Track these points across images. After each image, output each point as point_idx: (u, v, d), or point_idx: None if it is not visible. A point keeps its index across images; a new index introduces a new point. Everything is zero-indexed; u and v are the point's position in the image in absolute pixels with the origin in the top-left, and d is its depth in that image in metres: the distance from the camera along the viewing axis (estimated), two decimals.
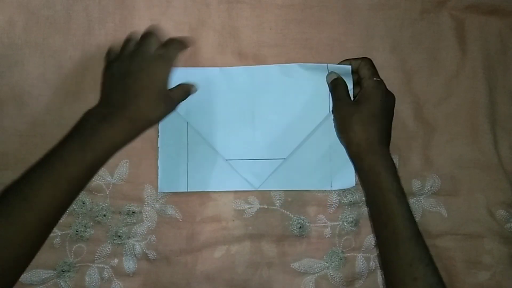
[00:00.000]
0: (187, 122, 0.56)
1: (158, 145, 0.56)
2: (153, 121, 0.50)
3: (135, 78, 0.47)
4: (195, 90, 0.55)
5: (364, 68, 0.55)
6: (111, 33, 0.56)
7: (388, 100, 0.54)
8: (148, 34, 0.50)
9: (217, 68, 0.57)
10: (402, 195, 0.49)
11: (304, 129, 0.57)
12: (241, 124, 0.57)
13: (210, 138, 0.56)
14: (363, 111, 0.52)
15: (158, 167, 0.56)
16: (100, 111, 0.47)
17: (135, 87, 0.47)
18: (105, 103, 0.48)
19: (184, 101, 0.53)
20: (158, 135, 0.56)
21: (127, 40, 0.52)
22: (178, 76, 0.53)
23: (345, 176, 0.58)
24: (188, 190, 0.56)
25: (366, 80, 0.54)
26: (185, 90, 0.53)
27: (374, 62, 0.60)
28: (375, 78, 0.54)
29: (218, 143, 0.56)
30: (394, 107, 0.55)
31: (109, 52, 0.53)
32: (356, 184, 0.58)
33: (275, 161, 0.57)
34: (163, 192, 0.56)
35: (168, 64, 0.49)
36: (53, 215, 0.44)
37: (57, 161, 0.43)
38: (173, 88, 0.52)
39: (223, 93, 0.56)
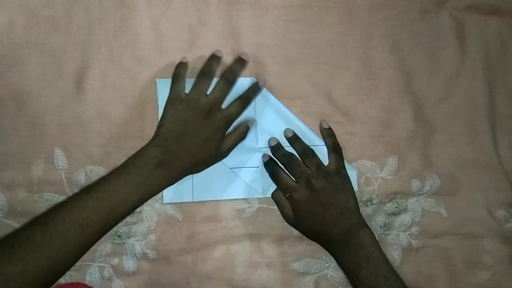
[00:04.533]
0: None
1: None
2: (194, 173, 0.53)
3: (196, 138, 0.50)
4: (252, 124, 0.55)
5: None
6: (112, 33, 0.56)
7: (313, 200, 0.52)
8: (220, 84, 0.53)
9: (217, 79, 0.56)
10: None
11: (305, 135, 0.57)
12: None
13: None
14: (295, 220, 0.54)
15: None
16: (158, 156, 0.48)
17: (194, 147, 0.50)
18: (163, 146, 0.49)
19: None
20: None
21: (201, 77, 0.53)
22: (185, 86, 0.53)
23: None
24: (194, 200, 0.56)
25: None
26: (240, 133, 0.54)
27: (374, 62, 0.60)
28: (291, 194, 0.53)
29: None
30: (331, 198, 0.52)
31: (178, 75, 0.54)
32: (358, 188, 0.58)
33: None
34: (169, 202, 0.56)
35: (228, 126, 0.52)
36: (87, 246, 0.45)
37: (113, 194, 0.44)
38: (230, 133, 0.53)
39: (225, 102, 0.56)
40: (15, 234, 0.41)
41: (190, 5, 0.58)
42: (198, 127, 0.50)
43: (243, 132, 0.54)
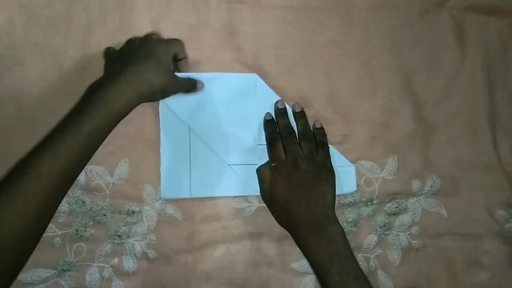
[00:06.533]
0: (189, 127, 0.56)
1: (160, 151, 0.55)
2: (155, 87, 0.47)
3: (135, 52, 0.48)
4: (201, 88, 0.55)
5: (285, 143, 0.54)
6: (111, 33, 0.56)
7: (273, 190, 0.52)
8: (149, 33, 0.54)
9: (219, 74, 0.56)
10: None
11: None
12: (244, 129, 0.57)
13: (212, 143, 0.56)
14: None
15: (160, 171, 0.55)
16: (98, 80, 0.47)
17: (134, 57, 0.48)
18: (105, 74, 0.48)
19: (186, 105, 0.54)
20: (160, 141, 0.55)
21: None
22: None
23: (346, 181, 0.58)
24: (192, 196, 0.55)
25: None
26: (192, 83, 0.54)
27: (374, 62, 0.60)
28: (277, 165, 0.53)
29: (220, 148, 0.56)
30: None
31: (108, 49, 0.55)
32: (356, 188, 0.58)
33: None
34: (166, 198, 0.56)
35: (168, 44, 0.50)
36: (55, 187, 0.42)
37: (55, 131, 0.42)
38: (181, 77, 0.53)
39: (225, 98, 0.56)
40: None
41: (189, 5, 0.58)
42: (127, 46, 0.52)
43: (196, 81, 0.54)
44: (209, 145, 0.56)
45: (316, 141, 0.56)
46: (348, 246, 0.49)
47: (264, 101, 0.57)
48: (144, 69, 0.46)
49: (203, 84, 0.55)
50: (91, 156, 0.44)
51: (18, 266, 0.41)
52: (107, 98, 0.44)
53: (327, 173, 0.53)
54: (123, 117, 0.45)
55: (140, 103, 0.46)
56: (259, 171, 0.55)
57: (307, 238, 0.50)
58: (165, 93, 0.50)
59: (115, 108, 0.44)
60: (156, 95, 0.48)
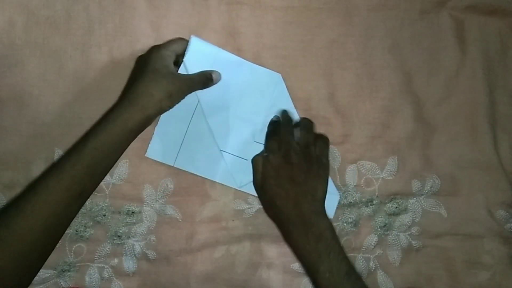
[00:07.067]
0: (198, 101, 0.55)
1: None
2: (156, 96, 0.48)
3: (136, 69, 0.52)
4: (218, 79, 0.54)
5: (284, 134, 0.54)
6: (111, 33, 0.56)
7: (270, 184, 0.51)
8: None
9: (246, 61, 0.57)
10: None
11: None
12: (248, 122, 0.56)
13: (213, 122, 0.56)
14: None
15: (154, 132, 0.55)
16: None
17: (134, 74, 0.51)
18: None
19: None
20: None
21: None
22: (208, 53, 0.54)
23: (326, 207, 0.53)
24: (175, 165, 0.56)
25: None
26: (207, 76, 0.53)
27: (374, 62, 0.60)
28: (268, 154, 0.53)
29: (218, 130, 0.56)
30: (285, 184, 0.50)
31: None
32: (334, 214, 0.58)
33: None
34: (150, 158, 0.55)
35: (161, 48, 0.51)
36: (62, 202, 0.43)
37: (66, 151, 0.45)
38: (193, 74, 0.53)
39: (242, 86, 0.56)
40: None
41: (189, 6, 0.58)
42: None
43: (210, 73, 0.54)
44: (209, 123, 0.55)
45: (316, 134, 0.55)
46: (338, 241, 0.48)
47: (278, 104, 0.57)
48: (139, 84, 0.48)
49: (220, 74, 0.55)
50: (101, 173, 0.47)
51: (27, 279, 0.42)
52: (110, 117, 0.46)
53: (320, 168, 0.52)
54: (132, 133, 0.47)
55: (149, 116, 0.47)
56: (254, 160, 0.55)
57: (294, 234, 0.49)
58: (173, 97, 0.49)
59: (119, 124, 0.46)
60: (162, 102, 0.48)
